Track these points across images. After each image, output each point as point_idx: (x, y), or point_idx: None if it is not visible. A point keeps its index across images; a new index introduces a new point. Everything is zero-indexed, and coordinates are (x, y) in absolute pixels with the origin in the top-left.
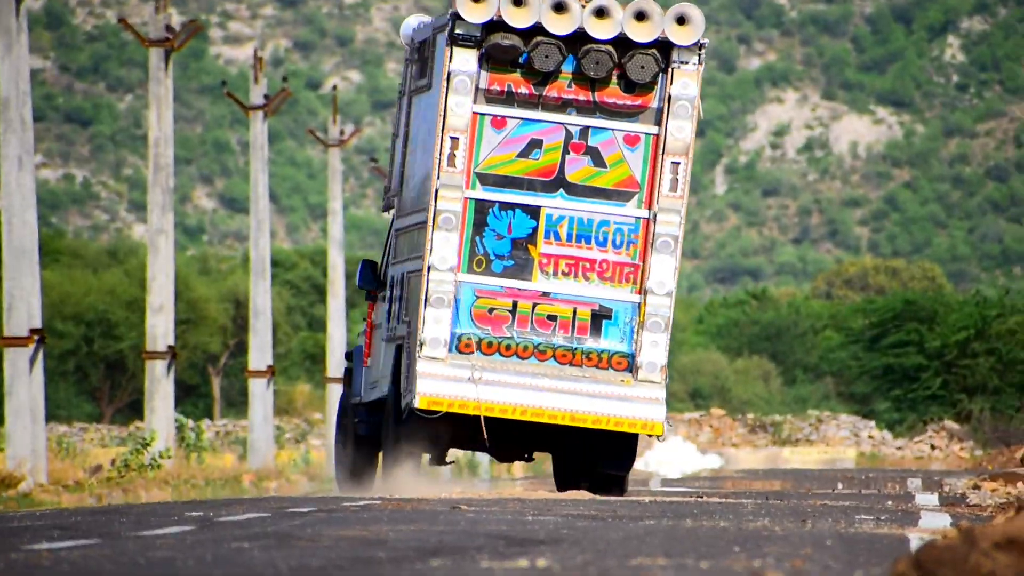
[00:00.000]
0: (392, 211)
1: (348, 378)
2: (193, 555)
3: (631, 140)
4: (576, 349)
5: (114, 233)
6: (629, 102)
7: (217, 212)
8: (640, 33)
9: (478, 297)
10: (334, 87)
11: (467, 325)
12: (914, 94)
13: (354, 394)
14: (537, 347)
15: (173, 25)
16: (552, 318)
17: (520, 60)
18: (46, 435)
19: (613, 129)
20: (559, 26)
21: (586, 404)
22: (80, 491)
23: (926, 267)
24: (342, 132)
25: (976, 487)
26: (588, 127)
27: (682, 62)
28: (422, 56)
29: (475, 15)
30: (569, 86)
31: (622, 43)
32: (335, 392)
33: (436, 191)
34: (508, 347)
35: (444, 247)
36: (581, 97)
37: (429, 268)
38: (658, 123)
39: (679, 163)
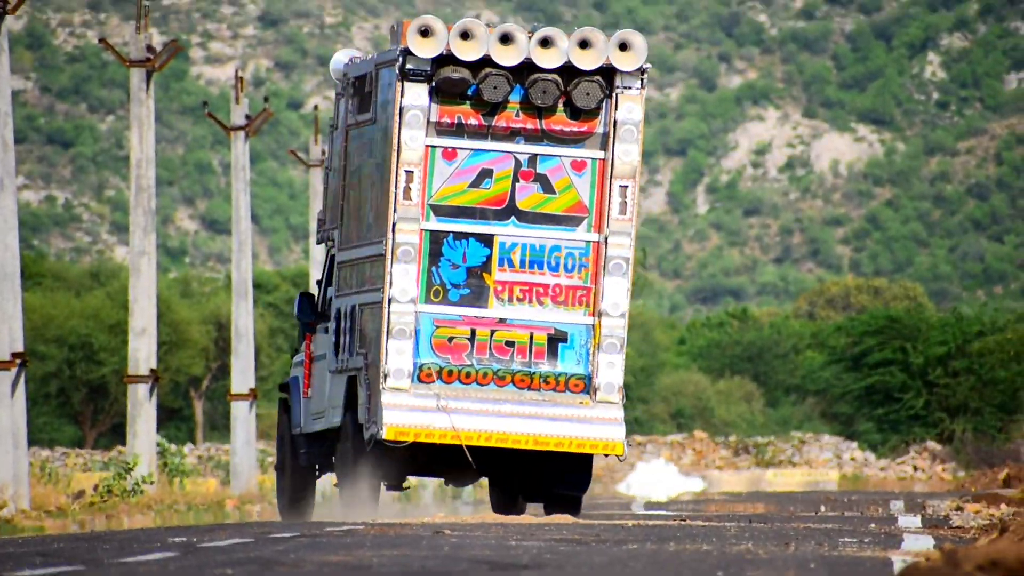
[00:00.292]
0: (330, 244)
1: (285, 408)
2: None
3: (578, 166)
4: (534, 373)
5: (96, 255)
6: (575, 128)
7: (199, 234)
8: (585, 61)
9: (437, 327)
10: (315, 107)
11: (427, 355)
12: (895, 112)
13: (294, 425)
14: (496, 373)
15: (154, 45)
16: (510, 344)
17: (469, 92)
18: (28, 460)
19: (560, 156)
20: (506, 57)
21: (547, 427)
22: (63, 517)
23: (908, 286)
24: (323, 152)
25: (959, 509)
26: (536, 155)
27: (626, 87)
28: (361, 91)
29: (425, 50)
30: (517, 115)
31: (568, 71)
32: None
33: (394, 224)
34: (468, 374)
35: (404, 279)
36: (529, 125)
37: (390, 300)
38: (604, 148)
39: (627, 186)
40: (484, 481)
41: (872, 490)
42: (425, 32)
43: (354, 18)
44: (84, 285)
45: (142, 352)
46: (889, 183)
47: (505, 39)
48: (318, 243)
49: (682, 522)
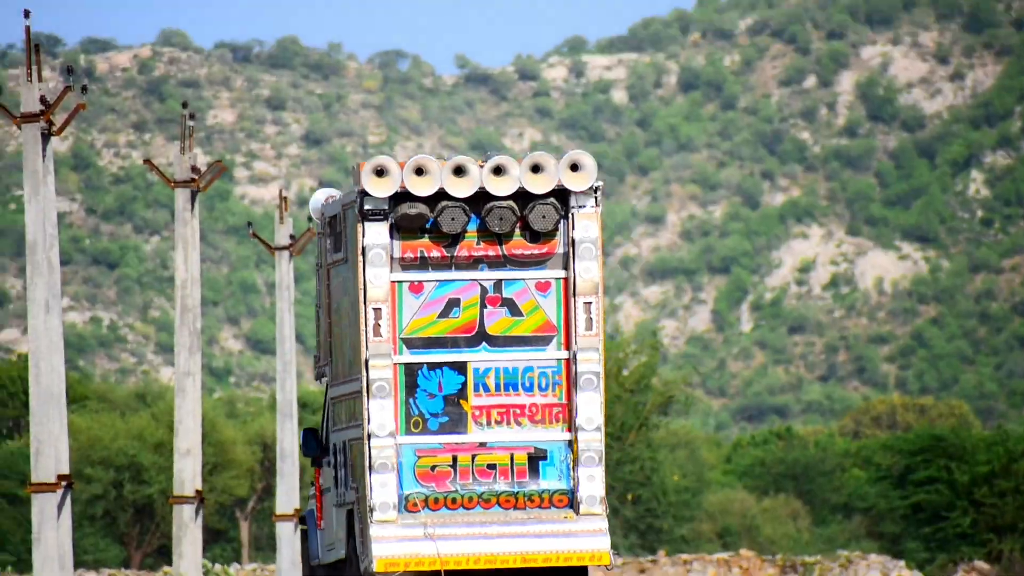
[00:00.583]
0: (325, 379)
1: (305, 541)
2: None
3: (543, 287)
4: (518, 493)
5: (141, 376)
6: (536, 251)
7: (244, 353)
8: (537, 185)
9: (419, 457)
10: None
11: (412, 485)
12: (939, 229)
13: (312, 556)
14: (481, 496)
15: (199, 165)
16: (492, 466)
17: (427, 225)
18: None
19: (524, 279)
20: (460, 189)
21: (534, 544)
22: None
23: (953, 404)
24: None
25: None
26: (501, 280)
27: (580, 206)
28: (335, 230)
29: (380, 190)
30: (478, 243)
31: (522, 196)
32: None
33: (366, 361)
34: (454, 500)
35: (381, 414)
36: (490, 252)
37: (369, 436)
38: (566, 267)
39: (591, 302)
40: None
41: None
42: (380, 172)
43: (397, 137)
44: (129, 406)
45: (187, 473)
46: (934, 300)
47: (458, 171)
48: (316, 379)
49: None
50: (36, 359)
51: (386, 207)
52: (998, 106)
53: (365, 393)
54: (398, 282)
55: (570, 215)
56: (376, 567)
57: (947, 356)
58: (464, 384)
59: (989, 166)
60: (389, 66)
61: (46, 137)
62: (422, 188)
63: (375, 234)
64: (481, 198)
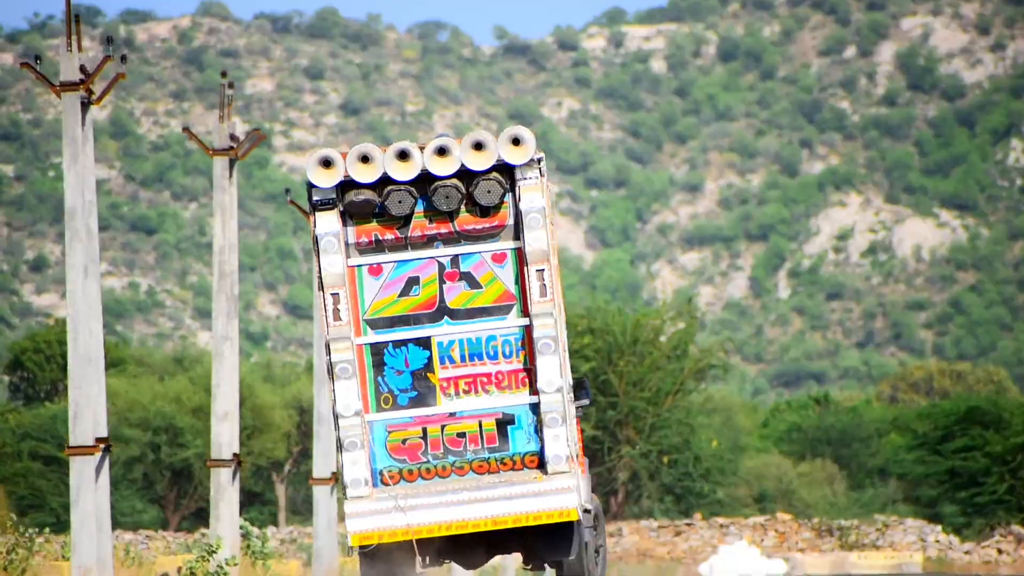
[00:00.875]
0: None
1: None
2: None
3: (498, 258)
4: (490, 458)
5: (179, 341)
6: (487, 225)
7: (281, 319)
8: (478, 162)
9: (390, 432)
10: None
11: (385, 460)
12: (978, 197)
13: None
14: (454, 465)
15: (237, 134)
16: (461, 435)
17: (377, 210)
18: (112, 543)
19: (480, 252)
20: (404, 173)
21: (504, 507)
22: None
23: (991, 371)
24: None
25: None
26: (457, 255)
27: (524, 178)
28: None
29: (326, 180)
30: (430, 222)
31: (466, 174)
32: None
33: (328, 344)
34: (428, 470)
35: (346, 395)
36: (443, 230)
37: (337, 416)
38: (518, 237)
39: (543, 270)
40: (468, 566)
41: (957, 573)
42: (326, 163)
43: (435, 106)
44: (167, 370)
45: (225, 436)
46: (972, 267)
47: (402, 155)
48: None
49: None
50: (75, 324)
51: (334, 196)
52: None
53: (330, 375)
54: (357, 266)
55: (516, 188)
56: (351, 541)
57: (985, 323)
58: (430, 358)
59: None
60: (428, 37)
61: (85, 106)
62: (366, 175)
63: (326, 223)
64: (426, 179)
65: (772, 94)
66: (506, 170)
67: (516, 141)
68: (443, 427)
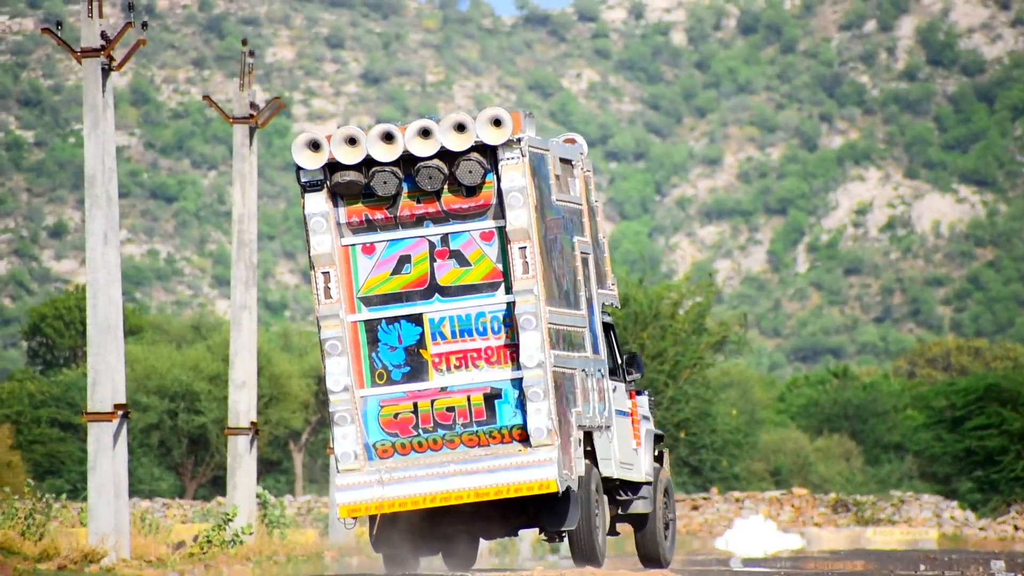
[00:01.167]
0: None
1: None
2: None
3: (486, 236)
4: (479, 431)
5: (197, 308)
6: (473, 204)
7: (299, 288)
8: (458, 143)
9: (383, 406)
10: None
11: (377, 434)
12: (997, 173)
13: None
14: (444, 438)
15: (257, 102)
16: (451, 409)
17: (364, 191)
18: (129, 510)
19: (468, 230)
20: (386, 154)
21: (486, 479)
22: (163, 567)
23: (1009, 347)
24: None
25: None
26: (447, 234)
27: (506, 158)
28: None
29: (313, 162)
30: (418, 202)
31: (447, 154)
32: None
33: (318, 321)
34: (420, 444)
35: (336, 370)
36: (431, 209)
37: (328, 392)
38: (503, 216)
39: (524, 247)
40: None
41: (972, 549)
42: (314, 145)
43: (455, 76)
44: (185, 338)
45: (242, 405)
46: (991, 244)
47: (387, 137)
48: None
49: None
50: (94, 290)
51: (322, 177)
52: None
53: (321, 352)
54: (351, 245)
55: (498, 168)
56: (340, 514)
57: (1003, 299)
58: (422, 335)
59: None
60: (449, 6)
61: (106, 72)
62: (350, 157)
63: (314, 203)
64: (410, 160)
65: (792, 68)
66: (489, 151)
67: (497, 122)
68: (433, 402)
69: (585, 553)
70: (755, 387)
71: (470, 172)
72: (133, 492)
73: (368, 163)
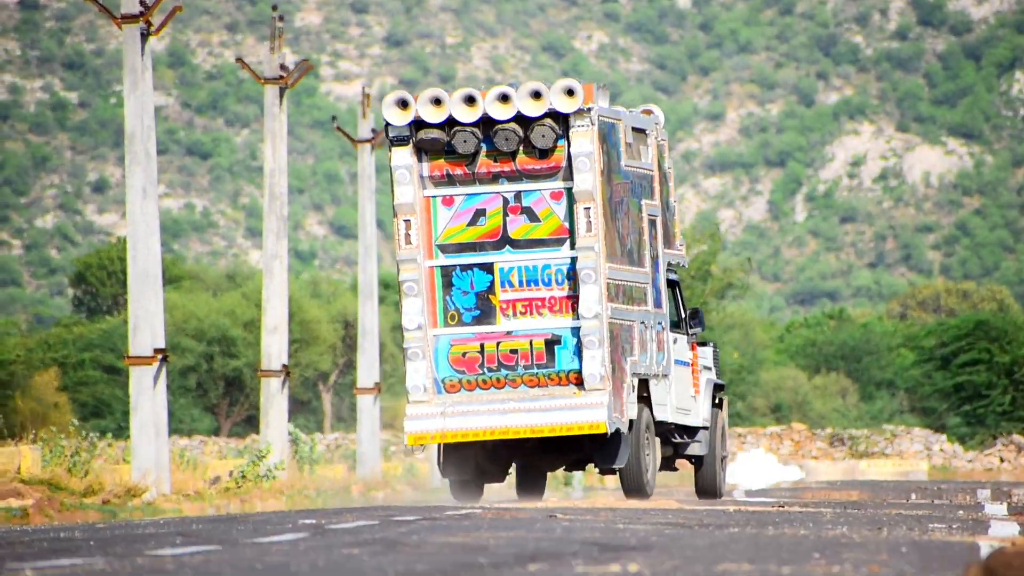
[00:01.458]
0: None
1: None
2: (306, 560)
3: (556, 195)
4: (538, 374)
5: (231, 258)
6: (545, 165)
7: (327, 238)
8: (533, 109)
9: (452, 345)
10: None
11: (446, 370)
12: (983, 126)
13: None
14: (506, 378)
15: (287, 64)
16: (514, 351)
17: (446, 148)
18: (169, 448)
19: (540, 189)
20: (468, 115)
21: (541, 418)
22: (200, 500)
23: (995, 289)
24: None
25: None
26: (520, 191)
27: (576, 126)
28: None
29: (401, 119)
30: (495, 161)
31: (524, 119)
32: None
33: (398, 265)
34: (484, 381)
35: (411, 310)
36: (506, 168)
37: (403, 330)
38: (571, 178)
39: (589, 208)
40: (589, 467)
41: (960, 480)
42: (402, 104)
43: (473, 38)
44: (220, 286)
45: (274, 348)
46: (978, 193)
47: (469, 100)
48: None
49: (781, 508)
50: (134, 242)
51: (408, 134)
52: None
53: (399, 292)
54: (432, 197)
55: (568, 134)
56: (407, 441)
57: (989, 244)
58: (492, 282)
59: None
60: None
61: (144, 37)
62: (435, 116)
63: (400, 157)
64: (488, 122)
65: (790, 29)
66: (561, 118)
67: (570, 92)
68: (499, 344)
69: (633, 488)
70: (756, 329)
71: (543, 136)
72: (172, 431)
73: (451, 123)
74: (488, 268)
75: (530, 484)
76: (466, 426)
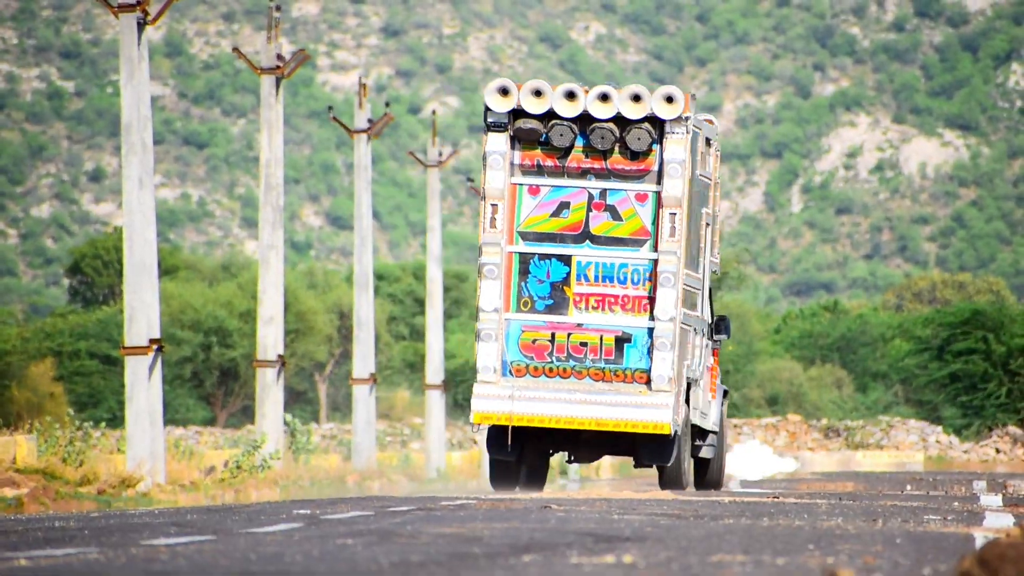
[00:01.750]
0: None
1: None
2: (301, 550)
3: (641, 197)
4: (605, 368)
5: (227, 248)
6: (635, 167)
7: (324, 229)
8: (633, 112)
9: (524, 331)
10: (433, 112)
11: (515, 354)
12: (980, 118)
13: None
14: (574, 368)
15: (283, 54)
16: (584, 344)
17: (541, 139)
18: (164, 438)
19: (626, 189)
20: (568, 110)
21: (607, 412)
22: (195, 491)
23: (991, 281)
24: (440, 154)
25: None
26: (606, 189)
27: (672, 132)
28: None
29: (501, 106)
30: (586, 157)
31: (622, 120)
32: (434, 398)
33: (480, 248)
34: (551, 369)
35: (489, 292)
36: (596, 165)
37: (479, 310)
38: (659, 182)
39: (675, 213)
40: (581, 460)
41: (956, 471)
42: (504, 91)
43: (470, 28)
44: (216, 276)
45: (270, 339)
46: (974, 184)
47: (570, 95)
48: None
49: (776, 499)
50: (130, 232)
51: (506, 121)
52: None
53: (479, 274)
54: (519, 184)
55: (664, 139)
56: (473, 419)
57: (985, 236)
58: (568, 274)
59: None
60: None
61: (141, 26)
62: (536, 107)
63: (495, 143)
64: (586, 119)
65: (787, 20)
66: (657, 122)
67: (669, 99)
68: (569, 335)
69: (674, 483)
70: (752, 320)
71: (639, 139)
72: (168, 421)
73: (550, 115)
74: (566, 260)
75: (536, 477)
76: (532, 411)
